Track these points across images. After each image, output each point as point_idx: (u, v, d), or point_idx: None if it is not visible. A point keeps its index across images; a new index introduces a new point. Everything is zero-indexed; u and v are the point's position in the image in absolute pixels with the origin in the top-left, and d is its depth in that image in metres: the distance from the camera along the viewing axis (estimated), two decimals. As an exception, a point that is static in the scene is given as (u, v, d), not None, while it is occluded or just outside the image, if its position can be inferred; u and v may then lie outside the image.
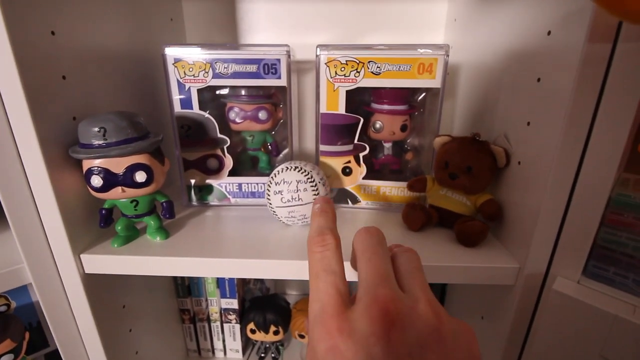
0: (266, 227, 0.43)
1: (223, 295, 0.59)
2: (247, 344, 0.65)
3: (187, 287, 0.59)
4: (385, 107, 0.45)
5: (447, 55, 0.40)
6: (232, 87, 0.46)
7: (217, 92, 0.46)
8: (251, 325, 0.60)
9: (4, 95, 0.30)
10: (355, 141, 0.45)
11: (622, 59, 0.27)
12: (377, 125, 0.46)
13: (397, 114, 0.45)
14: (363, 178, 0.47)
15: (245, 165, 0.50)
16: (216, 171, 0.47)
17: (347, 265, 0.24)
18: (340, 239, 0.24)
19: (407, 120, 0.46)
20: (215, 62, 0.42)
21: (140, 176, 0.35)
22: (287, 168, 0.40)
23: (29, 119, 0.31)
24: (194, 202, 0.49)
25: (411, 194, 0.45)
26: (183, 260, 0.37)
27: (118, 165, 0.34)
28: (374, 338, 0.19)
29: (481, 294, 0.45)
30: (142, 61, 0.46)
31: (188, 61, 0.42)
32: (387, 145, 0.48)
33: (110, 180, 0.34)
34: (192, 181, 0.47)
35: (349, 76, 0.42)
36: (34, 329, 0.49)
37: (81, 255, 0.37)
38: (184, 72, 0.42)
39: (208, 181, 0.47)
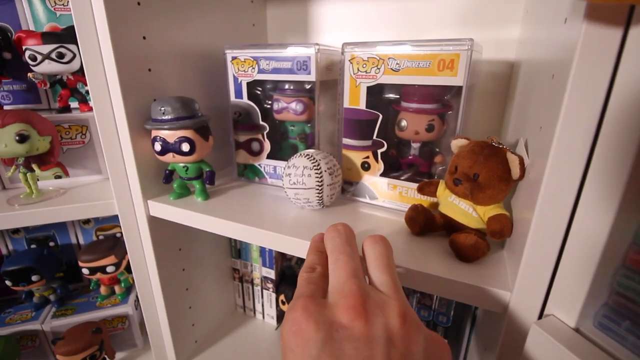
0: (284, 206, 0.48)
1: (264, 264, 0.68)
2: (281, 314, 0.72)
3: (238, 250, 0.70)
4: (410, 105, 0.44)
5: (472, 51, 0.36)
6: (279, 82, 0.52)
7: (267, 85, 0.54)
8: (282, 297, 0.66)
9: (109, 83, 0.44)
10: (375, 137, 0.46)
11: (635, 46, 0.21)
12: (402, 124, 0.45)
13: (422, 113, 0.43)
14: (380, 175, 0.46)
15: (287, 152, 0.57)
16: (258, 153, 0.55)
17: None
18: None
19: (433, 120, 0.43)
20: (260, 60, 0.49)
21: (185, 146, 0.45)
22: (300, 155, 0.45)
23: (120, 100, 0.44)
24: (242, 178, 0.58)
25: (423, 197, 0.43)
26: (210, 218, 0.46)
27: (171, 136, 0.45)
28: (337, 325, 0.21)
29: (488, 322, 0.40)
30: (217, 57, 0.57)
31: (241, 58, 0.50)
32: (415, 145, 0.47)
33: (166, 147, 0.46)
34: (240, 159, 0.56)
35: (369, 72, 0.43)
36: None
37: (148, 201, 0.50)
38: (238, 68, 0.51)
39: (251, 161, 0.56)
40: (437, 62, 0.38)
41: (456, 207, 0.37)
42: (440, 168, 0.46)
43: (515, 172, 0.33)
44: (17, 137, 0.48)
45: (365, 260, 0.29)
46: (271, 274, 0.68)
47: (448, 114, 0.44)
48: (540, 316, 0.29)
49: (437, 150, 0.46)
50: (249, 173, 0.57)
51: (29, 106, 0.63)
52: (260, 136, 0.54)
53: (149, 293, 0.57)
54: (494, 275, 0.33)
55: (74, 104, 0.62)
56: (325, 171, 0.43)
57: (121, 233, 0.71)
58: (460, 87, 0.38)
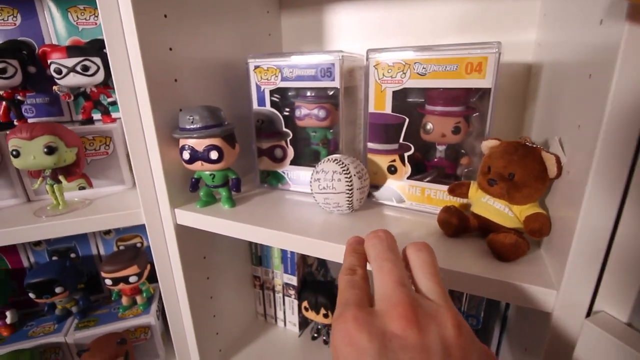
0: (310, 211, 0.48)
1: (285, 271, 0.68)
2: (303, 321, 0.72)
3: (259, 257, 0.70)
4: (435, 108, 0.44)
5: (499, 53, 0.37)
6: (300, 89, 0.53)
7: (289, 93, 0.54)
8: (305, 303, 0.66)
9: (137, 94, 0.45)
10: (401, 141, 0.46)
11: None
12: (428, 127, 0.46)
13: (448, 116, 0.44)
14: (408, 178, 0.47)
15: (308, 158, 0.57)
16: (281, 159, 0.55)
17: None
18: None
19: (459, 122, 0.44)
20: (283, 68, 0.50)
21: (214, 154, 0.46)
22: (328, 159, 0.45)
23: (149, 109, 0.45)
24: (265, 185, 0.58)
25: (454, 198, 0.43)
26: (240, 225, 0.46)
27: (200, 144, 0.46)
28: (390, 334, 0.21)
29: (526, 322, 0.39)
30: (236, 67, 0.58)
31: (264, 67, 0.51)
32: (441, 148, 0.47)
33: (194, 155, 0.46)
34: (263, 166, 0.57)
35: (395, 77, 0.43)
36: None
37: (175, 210, 0.51)
38: (261, 76, 0.52)
39: (274, 168, 0.56)
40: (465, 65, 0.39)
41: (491, 207, 0.38)
42: (466, 169, 0.47)
43: (552, 170, 0.33)
44: (45, 149, 0.49)
45: (410, 267, 0.29)
46: (293, 280, 0.67)
47: (473, 116, 0.44)
48: (589, 313, 0.29)
49: (463, 151, 0.47)
50: (272, 179, 0.57)
51: (52, 119, 0.63)
52: (283, 143, 0.54)
53: (174, 302, 0.57)
54: (536, 273, 0.33)
55: (96, 116, 0.62)
56: (354, 175, 0.44)
57: (141, 243, 0.71)
58: (488, 89, 0.39)
